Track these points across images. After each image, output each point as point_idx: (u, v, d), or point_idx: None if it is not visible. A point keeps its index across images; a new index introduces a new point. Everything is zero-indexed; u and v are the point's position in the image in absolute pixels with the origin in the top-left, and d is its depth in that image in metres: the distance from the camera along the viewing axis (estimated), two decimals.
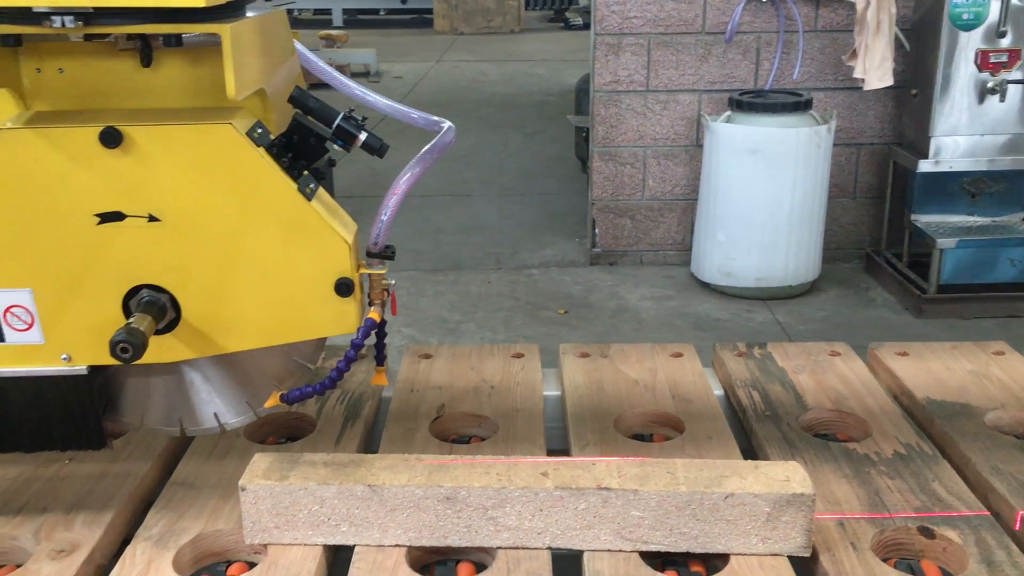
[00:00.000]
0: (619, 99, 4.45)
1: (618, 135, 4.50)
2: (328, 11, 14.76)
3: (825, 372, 1.79)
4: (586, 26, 4.38)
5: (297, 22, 14.75)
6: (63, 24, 0.96)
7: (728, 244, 4.19)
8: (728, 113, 4.13)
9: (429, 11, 14.18)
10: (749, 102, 4.05)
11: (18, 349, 1.21)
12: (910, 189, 4.10)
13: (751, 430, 1.61)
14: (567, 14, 14.61)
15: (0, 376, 1.22)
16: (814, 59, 4.34)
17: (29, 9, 0.95)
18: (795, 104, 3.99)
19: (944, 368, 1.78)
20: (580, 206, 5.23)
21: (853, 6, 4.05)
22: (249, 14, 1.19)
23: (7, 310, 1.18)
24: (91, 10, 0.96)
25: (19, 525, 1.32)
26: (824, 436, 1.60)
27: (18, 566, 1.26)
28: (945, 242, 3.91)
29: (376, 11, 15.58)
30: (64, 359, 1.22)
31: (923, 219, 4.09)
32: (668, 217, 4.64)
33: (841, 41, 4.27)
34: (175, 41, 1.06)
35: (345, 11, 14.86)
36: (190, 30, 1.04)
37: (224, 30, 1.01)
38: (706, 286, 4.38)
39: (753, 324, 4.05)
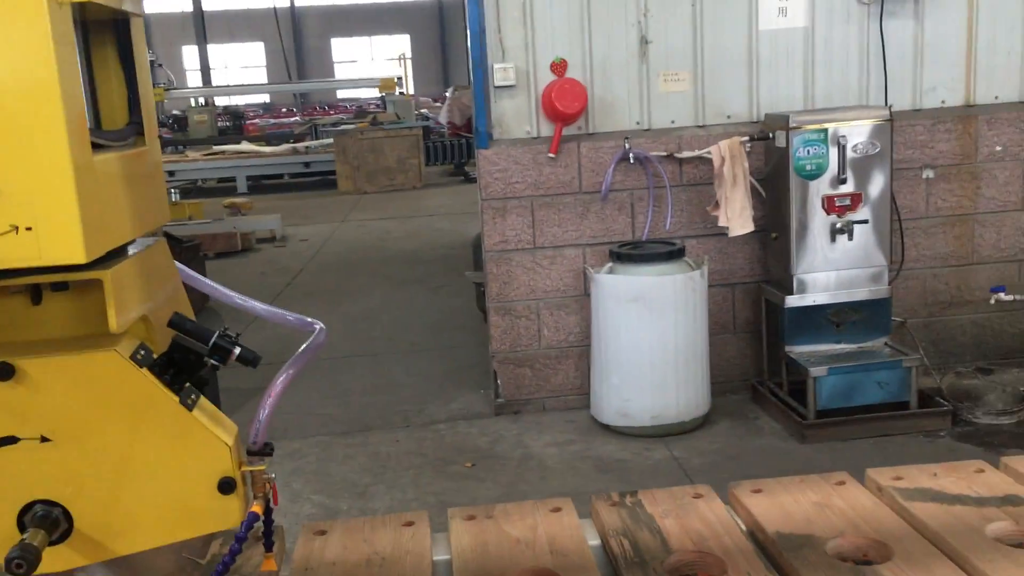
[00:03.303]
0: (509, 257, 4.72)
1: (511, 290, 4.75)
2: (232, 179, 15.07)
3: (688, 515, 1.95)
4: None
5: (201, 191, 14.98)
6: None
7: (622, 386, 4.40)
8: (610, 265, 4.42)
9: (332, 172, 14.60)
10: (628, 253, 4.36)
11: None
12: (781, 322, 4.41)
13: None
14: (466, 168, 15.22)
15: None
16: (683, 210, 4.71)
17: None
18: (669, 253, 4.32)
19: (792, 501, 1.96)
20: (485, 357, 5.41)
21: (711, 162, 4.45)
22: (130, 249, 1.35)
23: None
24: None
25: None
26: None
27: None
28: (817, 370, 4.20)
29: (280, 176, 15.96)
30: None
31: (796, 350, 4.39)
32: (565, 364, 4.85)
33: (706, 192, 4.66)
34: (62, 287, 1.22)
35: (249, 178, 15.17)
36: (75, 278, 1.19)
37: (106, 276, 1.17)
38: (606, 428, 4.55)
39: (652, 462, 4.22)
